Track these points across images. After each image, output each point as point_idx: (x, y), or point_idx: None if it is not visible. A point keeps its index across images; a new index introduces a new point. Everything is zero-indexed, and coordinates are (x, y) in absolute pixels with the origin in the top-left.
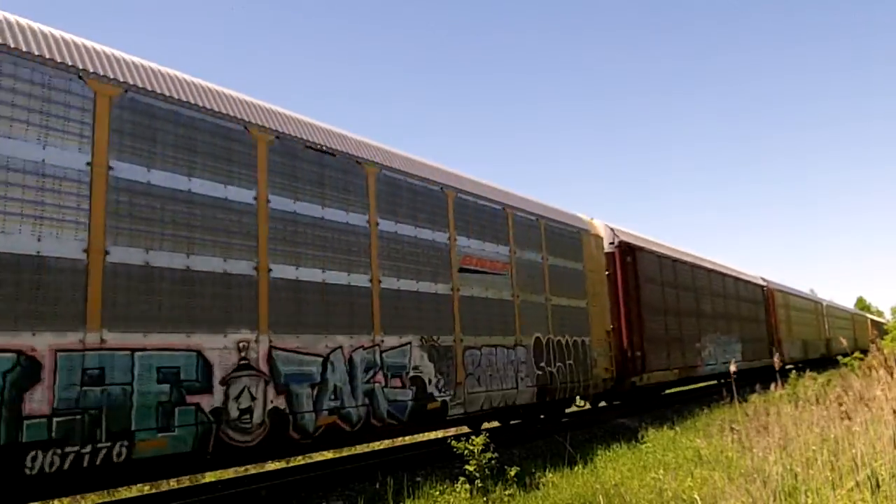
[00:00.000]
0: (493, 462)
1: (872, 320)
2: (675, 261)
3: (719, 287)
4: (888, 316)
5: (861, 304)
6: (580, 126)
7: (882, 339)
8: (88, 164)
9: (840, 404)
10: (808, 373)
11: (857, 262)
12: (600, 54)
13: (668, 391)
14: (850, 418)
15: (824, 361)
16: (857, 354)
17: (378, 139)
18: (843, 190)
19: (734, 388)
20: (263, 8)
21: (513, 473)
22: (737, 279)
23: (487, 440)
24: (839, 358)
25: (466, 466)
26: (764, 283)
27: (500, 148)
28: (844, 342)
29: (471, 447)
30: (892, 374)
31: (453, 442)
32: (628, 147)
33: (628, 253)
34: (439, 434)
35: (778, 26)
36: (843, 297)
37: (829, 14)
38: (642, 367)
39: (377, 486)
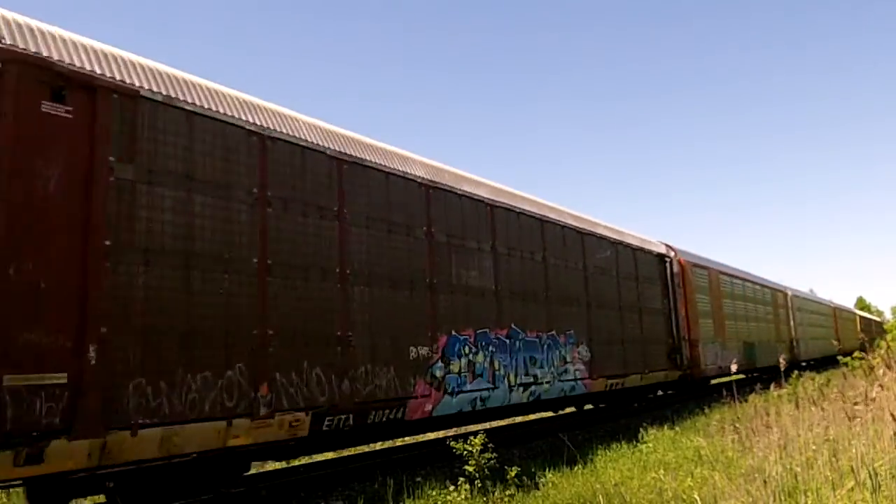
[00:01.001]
0: (492, 462)
1: (862, 317)
2: (370, 168)
3: (527, 239)
4: (888, 316)
5: (861, 304)
6: (579, 126)
7: (877, 339)
8: None
9: (855, 403)
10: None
11: (857, 262)
12: (600, 53)
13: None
14: (854, 417)
15: (786, 370)
16: (857, 354)
17: (381, 138)
18: (842, 189)
19: (734, 389)
20: (260, 7)
21: (513, 474)
22: (583, 234)
23: (486, 440)
24: (839, 358)
25: (466, 466)
26: (666, 253)
27: (499, 148)
28: (837, 343)
29: (470, 447)
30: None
31: (452, 442)
32: (628, 147)
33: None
34: (439, 434)
35: (778, 26)
36: (843, 297)
37: (829, 14)
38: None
39: (377, 486)
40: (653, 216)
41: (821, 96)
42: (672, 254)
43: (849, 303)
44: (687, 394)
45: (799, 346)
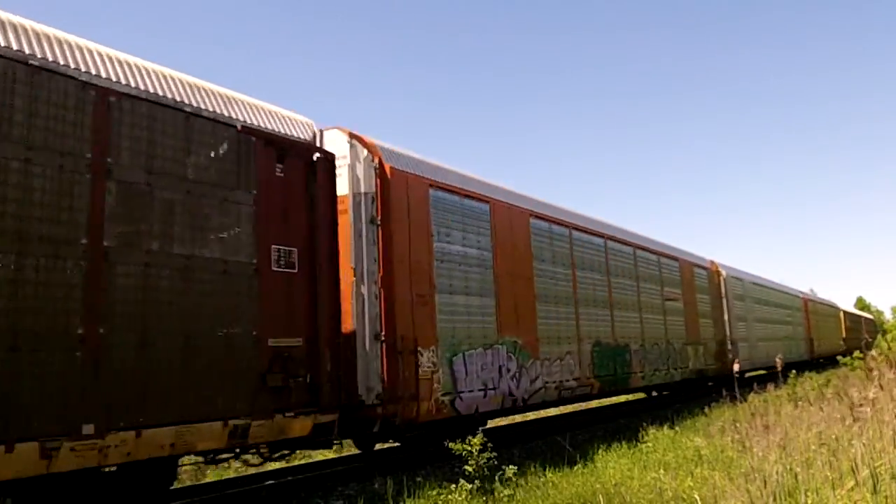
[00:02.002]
0: (491, 462)
1: (849, 314)
2: None
3: None
4: (888, 316)
5: (861, 303)
6: (578, 126)
7: (870, 338)
8: None
9: (852, 406)
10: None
11: (857, 262)
12: (600, 53)
13: None
14: (856, 420)
15: (718, 383)
16: (857, 354)
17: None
18: (842, 190)
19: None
20: (260, 7)
21: (511, 472)
22: None
23: (485, 440)
24: (839, 358)
25: (466, 467)
26: (299, 137)
27: (499, 148)
28: (810, 346)
29: (469, 448)
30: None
31: (451, 443)
32: (628, 147)
33: None
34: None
35: (778, 26)
36: (843, 297)
37: (829, 14)
38: None
39: (377, 486)
40: (653, 216)
41: (821, 96)
42: (343, 143)
43: (849, 303)
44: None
45: (737, 350)
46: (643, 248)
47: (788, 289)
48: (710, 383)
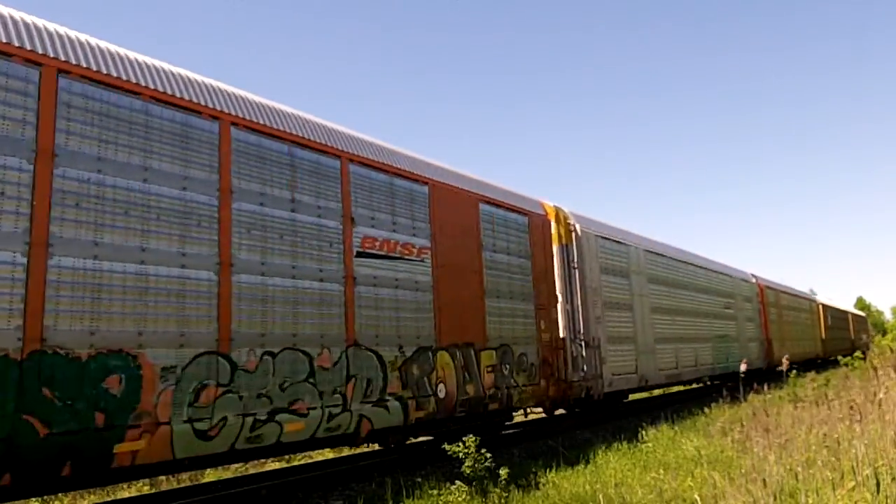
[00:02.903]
0: (488, 462)
1: (829, 308)
2: None
3: None
4: (888, 316)
5: (861, 304)
6: (578, 126)
7: (866, 339)
8: None
9: (851, 408)
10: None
11: (857, 262)
12: (600, 53)
13: None
14: (858, 421)
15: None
16: (857, 354)
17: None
18: (842, 190)
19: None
20: (259, 7)
21: (505, 474)
22: None
23: (480, 441)
24: (839, 358)
25: (463, 467)
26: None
27: (499, 147)
28: (765, 351)
29: (466, 449)
30: None
31: (446, 445)
32: (628, 147)
33: None
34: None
35: (778, 26)
36: (843, 297)
37: (828, 14)
38: None
39: (376, 486)
40: (653, 217)
41: (821, 96)
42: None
43: (849, 303)
44: None
45: (600, 358)
46: (254, 129)
47: (730, 269)
48: (508, 429)
